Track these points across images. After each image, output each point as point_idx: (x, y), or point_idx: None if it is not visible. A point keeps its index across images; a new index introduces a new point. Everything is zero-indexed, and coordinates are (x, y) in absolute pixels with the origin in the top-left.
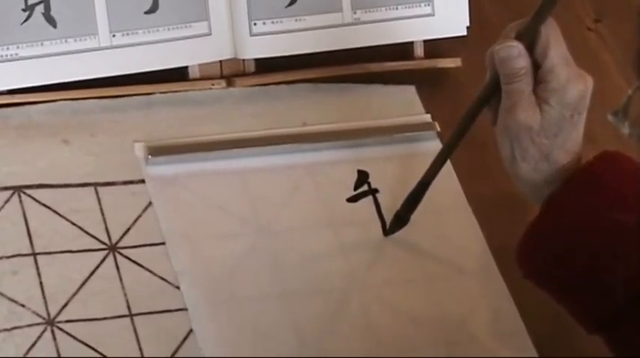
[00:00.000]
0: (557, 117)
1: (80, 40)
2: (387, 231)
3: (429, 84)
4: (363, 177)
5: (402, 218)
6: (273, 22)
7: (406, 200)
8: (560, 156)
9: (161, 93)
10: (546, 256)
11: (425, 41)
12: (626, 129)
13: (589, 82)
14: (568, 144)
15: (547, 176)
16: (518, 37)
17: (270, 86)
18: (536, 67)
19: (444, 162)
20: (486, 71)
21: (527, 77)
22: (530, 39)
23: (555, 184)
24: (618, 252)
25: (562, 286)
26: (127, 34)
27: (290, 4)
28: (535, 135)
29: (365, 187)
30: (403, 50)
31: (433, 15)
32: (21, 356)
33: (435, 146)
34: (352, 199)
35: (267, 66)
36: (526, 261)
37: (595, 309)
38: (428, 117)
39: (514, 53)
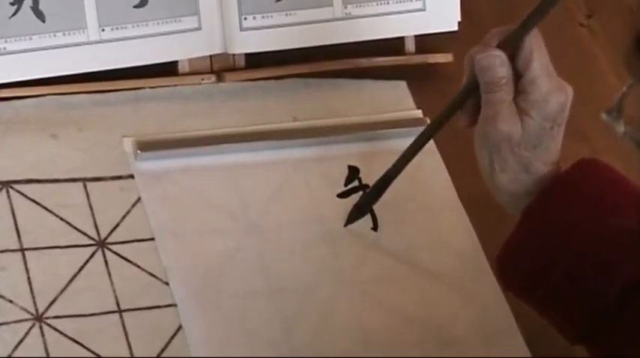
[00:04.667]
0: (537, 129)
1: (69, 34)
2: (346, 222)
3: (420, 79)
4: (353, 172)
5: (361, 208)
6: (263, 17)
7: (369, 191)
8: (539, 168)
9: (150, 88)
10: (525, 268)
11: (416, 36)
12: (620, 128)
13: (569, 93)
14: (546, 155)
15: (526, 187)
16: (501, 45)
17: (260, 81)
18: (518, 76)
19: (409, 160)
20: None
21: (508, 87)
22: (513, 48)
23: (534, 195)
24: (599, 259)
25: (542, 298)
26: (116, 29)
27: None
28: (515, 146)
29: (355, 183)
30: (394, 45)
31: (424, 10)
32: (9, 351)
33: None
34: (343, 195)
35: (257, 61)
36: (505, 272)
37: (575, 320)
38: (419, 113)
39: (496, 62)
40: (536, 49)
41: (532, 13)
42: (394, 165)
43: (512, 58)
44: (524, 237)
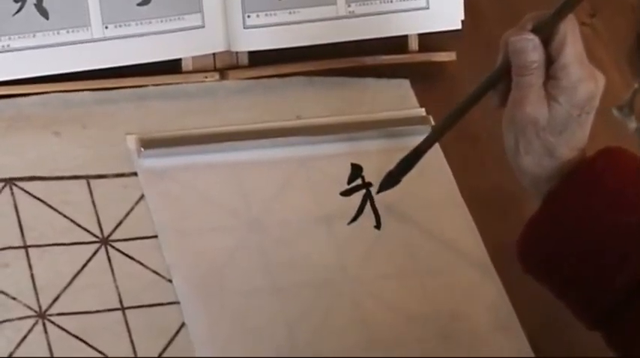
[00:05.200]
0: (564, 116)
1: (72, 31)
2: (378, 189)
3: (423, 78)
4: (356, 171)
5: (394, 178)
6: (266, 15)
7: (400, 162)
8: (564, 153)
9: (154, 85)
10: (546, 251)
11: (419, 35)
12: (632, 124)
13: (600, 83)
14: (573, 141)
15: (549, 171)
16: (535, 30)
17: (264, 79)
18: (550, 62)
19: (444, 133)
20: (481, 62)
21: (539, 71)
22: (547, 33)
23: (556, 179)
24: (618, 249)
25: (562, 281)
26: (120, 26)
27: None
28: (540, 130)
29: (359, 181)
30: (398, 44)
31: (428, 8)
32: (12, 348)
33: None
34: (345, 193)
35: (260, 59)
36: (526, 255)
37: (594, 305)
38: (422, 111)
39: (529, 46)
40: (570, 35)
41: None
42: (425, 140)
43: (546, 43)
44: (545, 220)
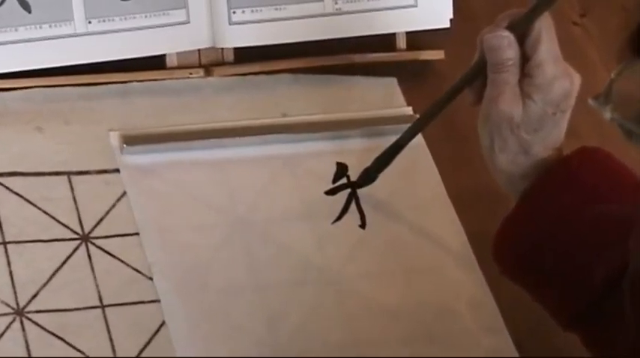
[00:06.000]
0: (539, 113)
1: (55, 26)
2: (357, 184)
3: (411, 76)
4: (342, 169)
5: (370, 175)
6: (252, 11)
7: (377, 159)
8: (540, 151)
9: (138, 81)
10: (521, 251)
11: (407, 33)
12: (607, 114)
13: (576, 81)
14: (548, 140)
15: (524, 169)
16: (511, 27)
17: (250, 76)
18: (525, 59)
19: (420, 130)
20: (470, 61)
21: (514, 68)
22: (522, 31)
23: (531, 178)
24: (592, 247)
25: (537, 281)
26: (104, 21)
27: None
28: (515, 127)
29: (344, 180)
30: (385, 41)
31: (416, 6)
32: None
33: (417, 140)
34: (330, 192)
35: (246, 55)
36: (502, 255)
37: (571, 304)
38: (409, 110)
39: (504, 43)
40: (545, 33)
41: None
42: (403, 135)
43: (522, 40)
44: (520, 219)
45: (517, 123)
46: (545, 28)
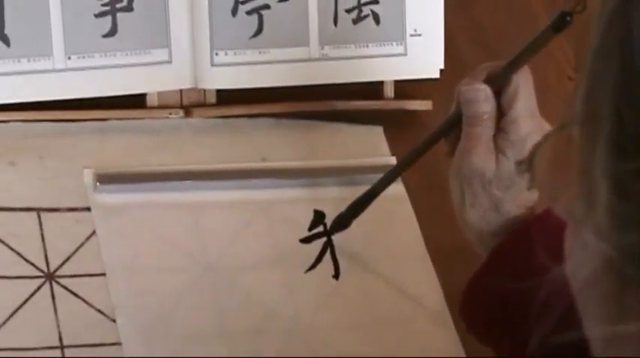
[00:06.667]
0: (511, 170)
1: (34, 60)
2: (329, 230)
3: (397, 125)
4: (319, 217)
5: (343, 222)
6: (235, 54)
7: (351, 205)
8: (511, 209)
9: (117, 119)
10: (487, 311)
11: (396, 81)
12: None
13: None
14: (520, 198)
15: (495, 227)
16: (488, 80)
17: (231, 118)
18: (501, 114)
19: (395, 178)
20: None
21: (489, 122)
22: (499, 84)
23: (502, 236)
24: (558, 307)
25: (503, 341)
26: (83, 57)
27: (254, 36)
28: (487, 183)
29: (320, 228)
30: (373, 89)
31: (405, 55)
32: None
33: (398, 190)
34: (306, 240)
35: (229, 97)
36: (468, 313)
37: None
38: (392, 160)
39: (480, 96)
40: (522, 88)
41: (521, 51)
42: (378, 183)
43: (499, 94)
44: (486, 279)
45: (489, 179)
46: (522, 84)
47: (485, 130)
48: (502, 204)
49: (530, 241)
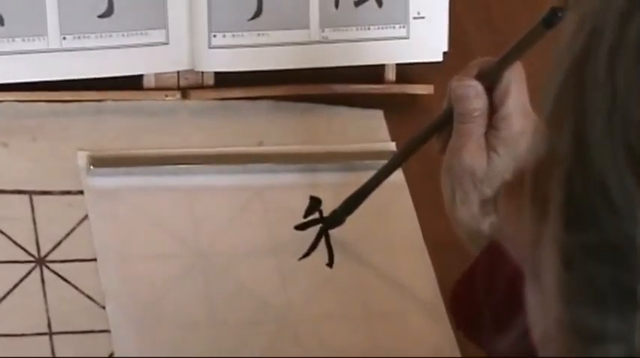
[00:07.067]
0: (503, 168)
1: (28, 40)
2: (324, 226)
3: (398, 109)
4: (315, 204)
5: (337, 218)
6: (233, 36)
7: (345, 202)
8: None
9: (113, 100)
10: (477, 309)
11: (398, 64)
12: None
13: None
14: None
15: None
16: (480, 77)
17: (229, 100)
18: (493, 111)
19: (385, 177)
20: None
21: (480, 119)
22: (491, 81)
23: (493, 235)
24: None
25: (488, 342)
26: (79, 38)
27: (253, 18)
28: (478, 181)
29: (316, 215)
30: (374, 72)
31: (408, 38)
32: None
33: (396, 176)
34: (300, 227)
35: (227, 79)
36: (458, 310)
37: None
38: (392, 146)
39: (471, 93)
40: (514, 85)
41: (513, 47)
42: (371, 180)
43: (491, 91)
44: (478, 277)
45: (480, 177)
46: (515, 80)
47: (477, 127)
48: (493, 202)
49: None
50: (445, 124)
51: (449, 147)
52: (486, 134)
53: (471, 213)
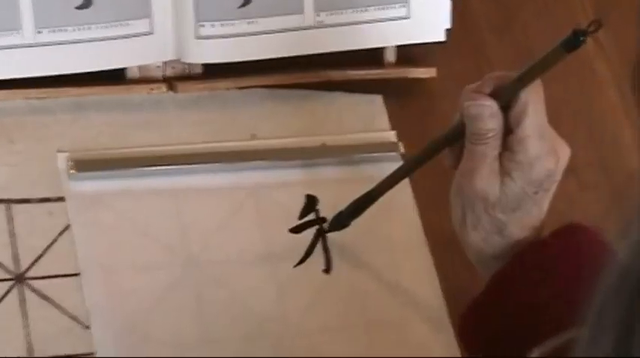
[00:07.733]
0: (517, 193)
1: (1, 35)
2: (327, 229)
3: (398, 94)
4: (311, 203)
5: (341, 221)
6: (222, 25)
7: (351, 204)
8: (516, 232)
9: (94, 95)
10: (487, 336)
11: (398, 46)
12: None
13: (562, 159)
14: (526, 219)
15: (498, 250)
16: (495, 94)
17: (219, 91)
18: (508, 132)
19: (394, 184)
20: (466, 80)
21: (494, 141)
22: (507, 100)
23: (504, 260)
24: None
25: None
26: (55, 31)
27: (243, 5)
28: (490, 207)
29: (312, 216)
30: (372, 56)
31: (408, 18)
32: None
33: None
34: (295, 230)
35: (216, 69)
36: (467, 337)
37: None
38: (392, 136)
39: (485, 113)
40: (531, 105)
41: (531, 67)
42: (378, 186)
43: (506, 110)
44: (488, 303)
45: (493, 202)
46: (533, 100)
47: (490, 149)
48: (506, 227)
49: (531, 269)
50: (457, 138)
51: (460, 168)
52: (500, 156)
53: (482, 237)
